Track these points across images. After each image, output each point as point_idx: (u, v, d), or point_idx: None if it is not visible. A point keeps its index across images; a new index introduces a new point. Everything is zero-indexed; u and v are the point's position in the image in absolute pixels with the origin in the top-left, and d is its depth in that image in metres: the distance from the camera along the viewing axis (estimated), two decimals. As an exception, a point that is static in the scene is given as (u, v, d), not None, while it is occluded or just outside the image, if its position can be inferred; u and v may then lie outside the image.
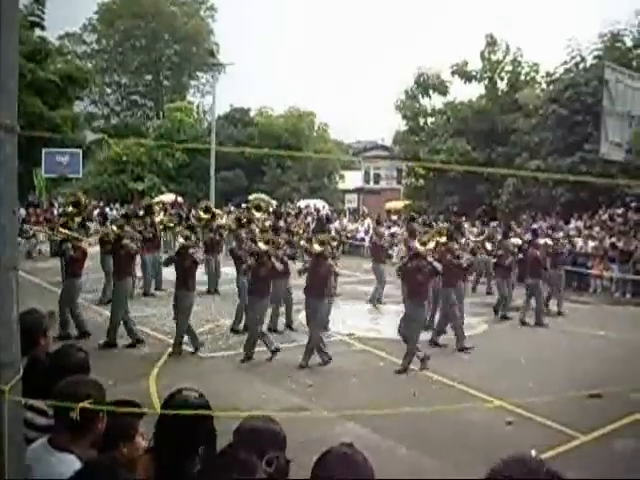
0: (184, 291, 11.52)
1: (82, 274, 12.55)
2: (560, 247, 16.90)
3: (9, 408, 2.66)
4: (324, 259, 11.19)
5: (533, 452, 6.66)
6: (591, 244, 21.01)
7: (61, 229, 12.55)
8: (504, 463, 1.79)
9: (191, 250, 11.59)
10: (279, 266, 11.56)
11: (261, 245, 11.37)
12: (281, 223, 15.83)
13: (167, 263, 12.72)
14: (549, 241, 16.05)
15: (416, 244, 11.44)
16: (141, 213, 17.97)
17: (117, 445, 3.08)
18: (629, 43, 29.55)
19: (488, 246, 13.74)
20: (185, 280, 11.57)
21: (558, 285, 16.35)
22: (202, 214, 16.85)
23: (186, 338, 11.56)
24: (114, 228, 12.94)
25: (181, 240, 11.99)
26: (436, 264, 11.02)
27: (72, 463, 2.83)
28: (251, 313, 11.55)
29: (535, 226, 21.66)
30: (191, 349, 11.59)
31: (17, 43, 2.71)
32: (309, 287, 11.30)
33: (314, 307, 11.08)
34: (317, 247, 11.34)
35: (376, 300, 16.61)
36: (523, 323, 14.78)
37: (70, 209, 14.00)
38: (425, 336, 12.03)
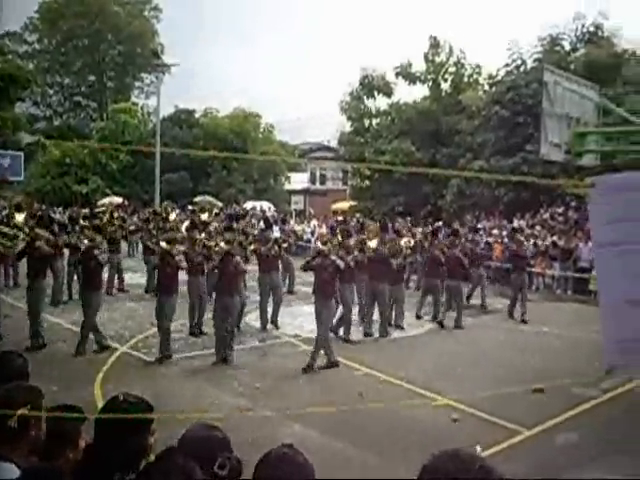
0: (89, 291, 11.61)
1: None
2: (523, 250, 16.79)
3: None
4: (232, 257, 11.22)
5: (478, 448, 6.78)
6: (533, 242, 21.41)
7: None
8: (435, 458, 1.81)
9: (95, 252, 11.61)
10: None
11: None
12: (235, 225, 15.81)
13: (74, 264, 13.65)
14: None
15: (317, 243, 11.64)
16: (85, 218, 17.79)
17: (63, 452, 3.03)
18: (567, 47, 30.32)
19: (372, 245, 13.78)
20: (90, 281, 11.69)
21: (522, 288, 15.85)
22: (164, 214, 17.01)
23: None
24: (26, 230, 12.82)
25: (86, 242, 11.95)
26: (339, 262, 11.25)
27: (10, 472, 2.77)
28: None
29: (471, 226, 22.02)
30: (140, 354, 11.54)
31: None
32: (219, 286, 11.32)
33: (224, 305, 11.09)
34: (224, 246, 11.42)
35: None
36: (448, 326, 14.56)
37: (12, 212, 13.80)
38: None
